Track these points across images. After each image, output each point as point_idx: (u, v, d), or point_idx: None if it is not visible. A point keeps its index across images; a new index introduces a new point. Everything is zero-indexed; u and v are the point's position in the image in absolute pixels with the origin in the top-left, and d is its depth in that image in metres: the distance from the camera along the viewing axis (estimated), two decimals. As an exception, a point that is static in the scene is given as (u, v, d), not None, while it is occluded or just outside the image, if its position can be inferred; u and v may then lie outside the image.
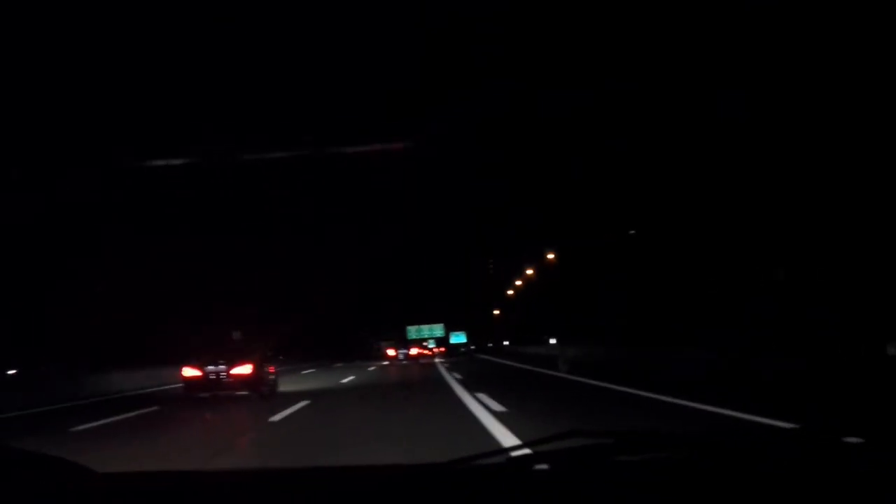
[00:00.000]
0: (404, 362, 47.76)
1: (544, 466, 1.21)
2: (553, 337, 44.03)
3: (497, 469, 1.26)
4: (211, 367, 14.18)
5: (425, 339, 78.31)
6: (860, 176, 21.05)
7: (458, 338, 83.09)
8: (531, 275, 68.45)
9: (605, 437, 1.27)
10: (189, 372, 14.42)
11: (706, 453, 1.27)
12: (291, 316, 41.81)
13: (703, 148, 22.36)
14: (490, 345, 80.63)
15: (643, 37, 21.82)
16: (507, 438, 6.37)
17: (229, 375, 14.11)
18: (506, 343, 74.41)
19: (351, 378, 20.32)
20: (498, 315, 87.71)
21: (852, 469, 1.15)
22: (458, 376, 17.98)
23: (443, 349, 77.81)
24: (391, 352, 60.18)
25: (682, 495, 1.07)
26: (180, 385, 15.01)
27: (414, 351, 63.28)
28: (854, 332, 17.97)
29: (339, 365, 36.63)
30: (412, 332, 79.37)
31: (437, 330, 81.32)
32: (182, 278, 28.12)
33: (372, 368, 31.65)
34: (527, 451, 1.34)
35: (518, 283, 75.29)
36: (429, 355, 63.71)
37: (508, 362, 30.42)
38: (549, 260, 57.13)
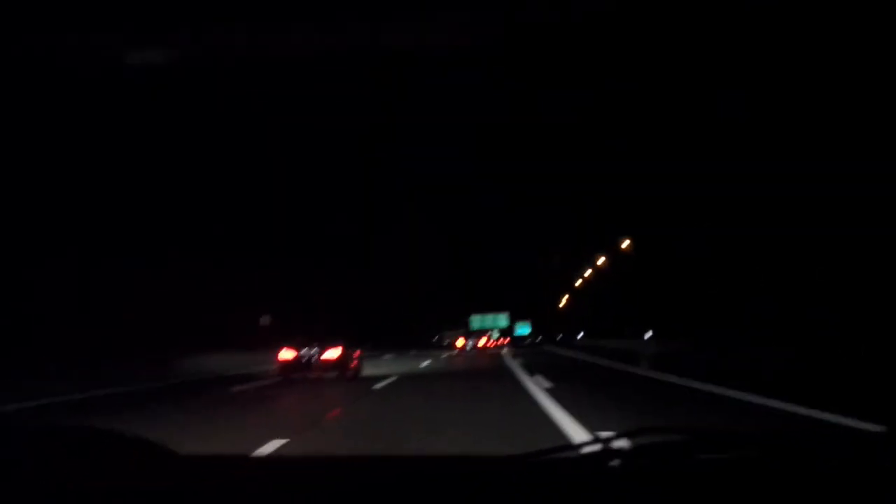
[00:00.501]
0: (472, 352, 48.99)
1: (617, 462, 1.23)
2: (649, 329, 37.31)
3: (569, 464, 1.28)
4: (304, 351, 15.97)
5: (489, 330, 79.46)
6: (861, 174, 21.46)
7: (523, 329, 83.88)
8: (603, 264, 68.20)
9: (678, 434, 1.27)
10: (285, 355, 16.14)
11: (785, 454, 1.28)
12: (333, 303, 44.29)
13: (703, 147, 23.28)
14: (559, 337, 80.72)
15: (643, 37, 22.88)
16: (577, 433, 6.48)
17: (320, 359, 15.83)
18: (580, 335, 71.34)
19: (390, 380, 16.30)
20: (564, 306, 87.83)
21: None
22: (546, 383, 12.99)
23: (507, 339, 79.11)
24: (460, 342, 62.89)
25: (760, 494, 1.08)
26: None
27: (482, 342, 65.97)
28: (854, 332, 18.61)
29: (387, 357, 34.49)
30: (476, 321, 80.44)
31: (502, 320, 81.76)
32: (217, 267, 30.61)
33: (426, 363, 26.74)
34: (598, 447, 1.36)
35: (588, 272, 74.96)
36: (495, 346, 65.98)
37: (594, 360, 25.00)
38: (623, 249, 57.08)
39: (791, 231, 22.83)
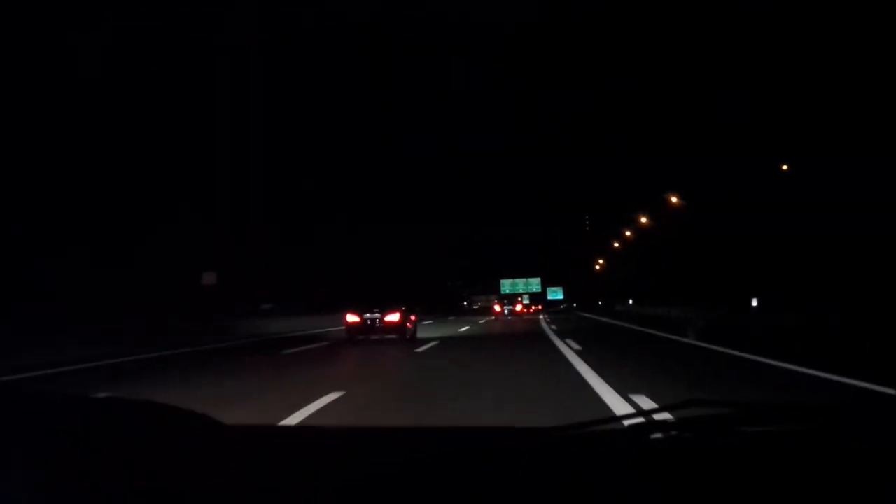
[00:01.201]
0: (509, 318, 50.23)
1: (660, 435, 1.27)
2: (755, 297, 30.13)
3: (612, 436, 1.33)
4: (368, 315, 18.16)
5: (520, 295, 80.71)
6: (864, 173, 22.34)
7: (555, 294, 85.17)
8: (646, 224, 66.90)
9: (724, 408, 1.29)
10: (351, 318, 18.45)
11: (831, 426, 1.32)
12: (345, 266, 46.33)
13: (703, 147, 24.43)
14: (600, 303, 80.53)
15: (643, 37, 23.95)
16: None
17: (382, 321, 18.00)
18: (630, 302, 65.97)
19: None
20: (599, 270, 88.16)
21: None
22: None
23: (540, 306, 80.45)
24: (497, 308, 65.14)
25: (806, 469, 1.08)
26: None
27: (518, 307, 67.78)
28: (858, 327, 19.87)
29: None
30: (506, 285, 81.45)
31: (534, 284, 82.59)
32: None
33: (427, 347, 17.46)
34: (641, 419, 1.37)
35: (628, 233, 74.16)
36: (532, 313, 67.67)
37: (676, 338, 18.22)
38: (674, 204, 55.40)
39: (794, 227, 23.84)
